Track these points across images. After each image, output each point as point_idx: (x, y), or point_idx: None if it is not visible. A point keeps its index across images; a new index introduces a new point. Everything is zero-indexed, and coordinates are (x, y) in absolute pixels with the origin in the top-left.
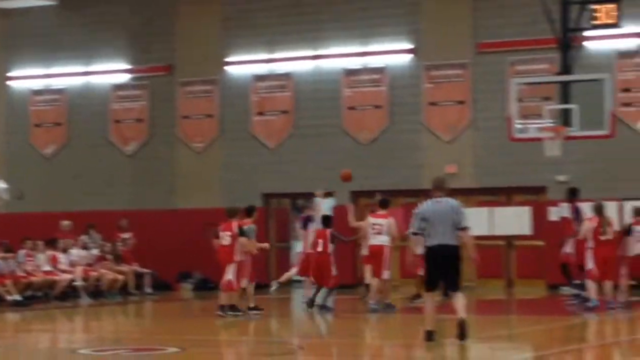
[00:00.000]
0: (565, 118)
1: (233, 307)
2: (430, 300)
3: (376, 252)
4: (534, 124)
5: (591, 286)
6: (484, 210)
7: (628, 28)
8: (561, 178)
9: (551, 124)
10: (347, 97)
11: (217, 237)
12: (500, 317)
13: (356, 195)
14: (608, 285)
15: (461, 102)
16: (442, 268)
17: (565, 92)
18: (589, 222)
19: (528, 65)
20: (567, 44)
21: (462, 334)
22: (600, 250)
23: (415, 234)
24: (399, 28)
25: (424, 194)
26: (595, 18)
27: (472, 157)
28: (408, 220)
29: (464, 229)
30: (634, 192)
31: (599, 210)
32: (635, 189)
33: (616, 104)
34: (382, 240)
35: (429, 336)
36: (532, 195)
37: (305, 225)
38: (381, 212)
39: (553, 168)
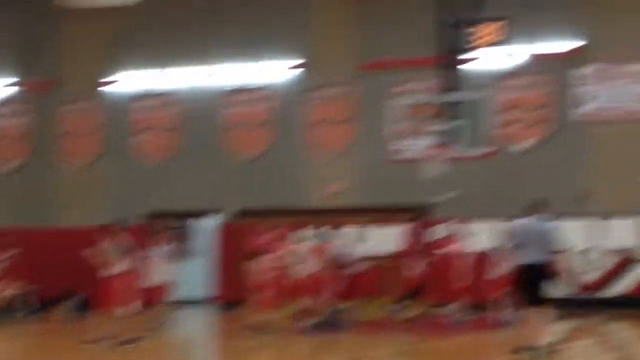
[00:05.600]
0: (448, 138)
1: None
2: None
3: None
4: (416, 143)
5: None
6: (367, 229)
7: (510, 48)
8: (443, 197)
9: (433, 144)
10: (232, 115)
11: None
12: (387, 336)
13: (242, 214)
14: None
15: (345, 121)
16: (530, 284)
17: (448, 111)
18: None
19: (412, 84)
20: (450, 64)
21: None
22: None
23: (509, 249)
24: (284, 46)
25: (307, 213)
26: (477, 38)
27: (356, 176)
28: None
29: (556, 250)
30: (514, 212)
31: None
32: (516, 209)
33: (499, 124)
34: None
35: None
36: (414, 214)
37: None
38: None
39: (435, 188)
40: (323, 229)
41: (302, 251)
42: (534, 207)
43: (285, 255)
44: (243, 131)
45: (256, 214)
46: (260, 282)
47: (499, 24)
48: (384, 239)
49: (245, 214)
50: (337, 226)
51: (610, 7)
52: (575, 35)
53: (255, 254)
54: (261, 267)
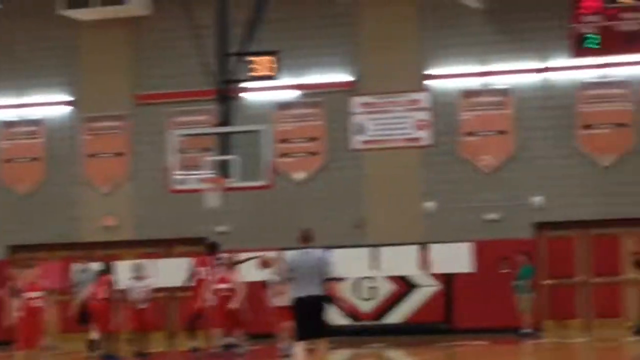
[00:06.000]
0: (224, 169)
1: None
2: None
3: None
4: (194, 175)
5: None
6: (146, 262)
7: (285, 80)
8: (221, 229)
9: (210, 175)
10: (4, 150)
11: None
12: None
13: (13, 250)
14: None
15: (120, 154)
16: (308, 317)
17: (224, 143)
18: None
19: (188, 116)
20: (226, 95)
21: None
22: None
23: (286, 280)
24: (56, 79)
25: (82, 247)
26: (253, 70)
27: (131, 209)
28: (64, 274)
29: (331, 279)
30: (292, 242)
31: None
32: (293, 238)
33: (275, 155)
34: None
35: None
36: (193, 246)
37: None
38: None
39: (213, 219)
40: (102, 263)
41: (80, 285)
42: (306, 238)
43: (59, 290)
44: (16, 165)
45: (29, 249)
46: (27, 319)
47: (273, 56)
48: (165, 272)
49: (17, 249)
50: (115, 259)
51: (379, 39)
52: (347, 67)
53: (22, 290)
54: (28, 304)
